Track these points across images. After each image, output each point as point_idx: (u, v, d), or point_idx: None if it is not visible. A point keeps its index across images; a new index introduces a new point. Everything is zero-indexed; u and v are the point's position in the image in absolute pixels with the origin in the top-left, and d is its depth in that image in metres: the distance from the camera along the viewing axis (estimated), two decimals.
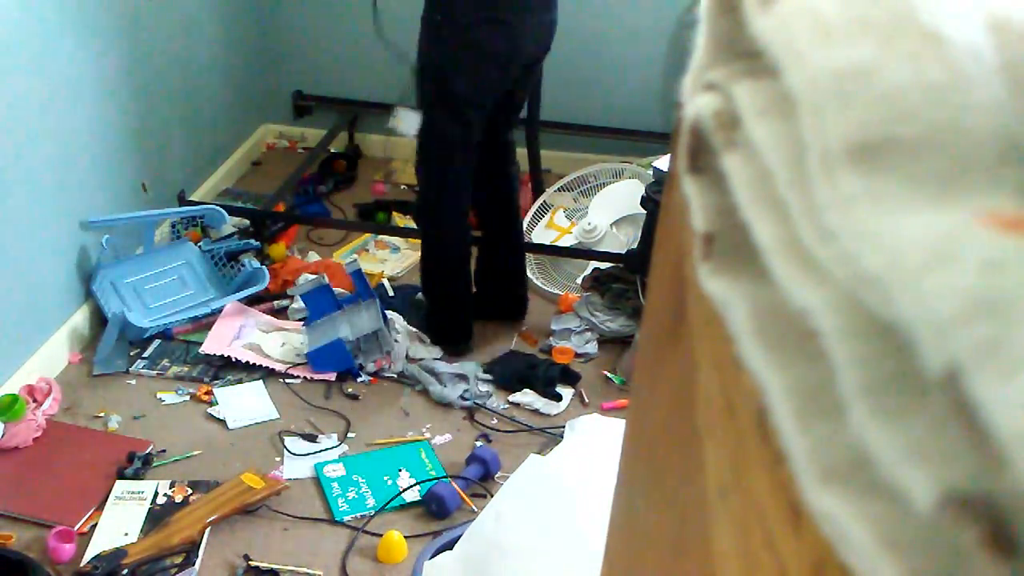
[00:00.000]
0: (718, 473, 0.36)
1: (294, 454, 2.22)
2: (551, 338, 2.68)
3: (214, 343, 2.54)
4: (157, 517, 1.97)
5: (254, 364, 2.49)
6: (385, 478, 2.16)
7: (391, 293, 2.86)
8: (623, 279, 2.75)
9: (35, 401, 2.24)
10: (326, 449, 2.24)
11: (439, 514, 2.05)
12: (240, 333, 2.60)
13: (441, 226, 2.50)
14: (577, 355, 2.61)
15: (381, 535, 1.97)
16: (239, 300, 2.70)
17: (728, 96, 0.33)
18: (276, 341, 2.61)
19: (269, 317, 2.71)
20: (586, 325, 2.69)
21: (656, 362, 0.52)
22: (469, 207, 2.52)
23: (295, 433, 2.30)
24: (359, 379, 2.49)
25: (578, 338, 2.66)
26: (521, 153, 2.80)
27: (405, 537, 1.96)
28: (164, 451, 2.20)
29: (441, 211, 2.47)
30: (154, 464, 2.15)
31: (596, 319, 2.69)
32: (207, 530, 1.94)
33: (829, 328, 0.25)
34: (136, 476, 2.09)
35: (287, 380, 2.47)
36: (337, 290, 2.63)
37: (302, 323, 2.64)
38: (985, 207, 0.24)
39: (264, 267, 2.82)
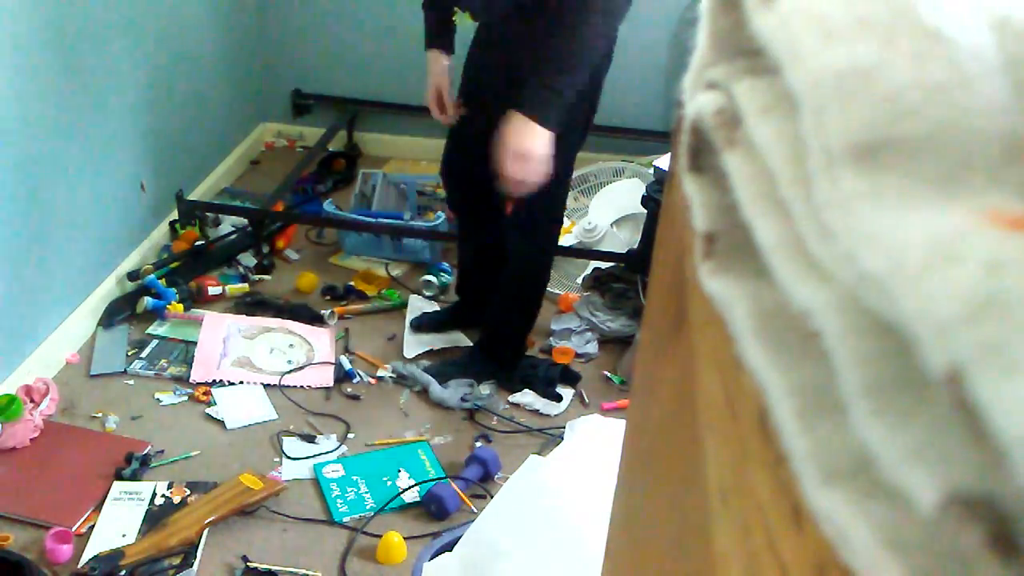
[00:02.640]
0: (719, 473, 0.36)
1: (292, 458, 2.21)
2: (551, 338, 2.68)
3: (201, 369, 2.48)
4: (155, 518, 1.97)
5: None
6: (384, 479, 2.16)
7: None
8: (624, 279, 2.75)
9: (32, 401, 2.23)
10: (326, 452, 2.24)
11: (438, 515, 2.05)
12: (226, 349, 2.56)
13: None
14: (577, 355, 2.61)
15: (380, 536, 1.96)
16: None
17: (729, 94, 0.33)
18: (264, 348, 2.58)
19: (250, 320, 2.67)
20: (586, 325, 2.69)
21: (656, 362, 0.52)
22: None
23: (294, 434, 2.30)
24: (355, 380, 2.49)
25: (578, 338, 2.66)
26: None
27: (404, 538, 1.96)
28: (162, 452, 2.20)
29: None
30: (152, 465, 2.15)
31: (596, 319, 2.69)
32: (205, 531, 1.94)
33: (831, 328, 0.25)
34: (134, 477, 2.09)
35: (283, 386, 2.46)
36: None
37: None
38: (988, 206, 0.24)
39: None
